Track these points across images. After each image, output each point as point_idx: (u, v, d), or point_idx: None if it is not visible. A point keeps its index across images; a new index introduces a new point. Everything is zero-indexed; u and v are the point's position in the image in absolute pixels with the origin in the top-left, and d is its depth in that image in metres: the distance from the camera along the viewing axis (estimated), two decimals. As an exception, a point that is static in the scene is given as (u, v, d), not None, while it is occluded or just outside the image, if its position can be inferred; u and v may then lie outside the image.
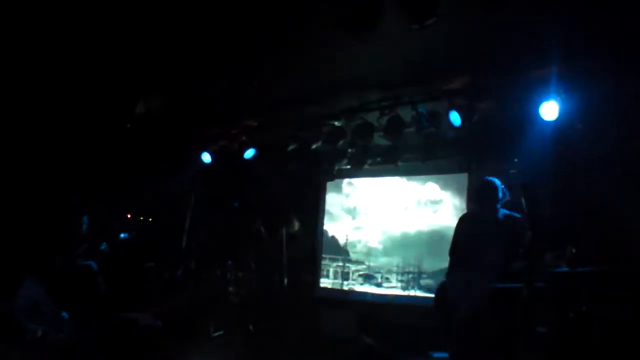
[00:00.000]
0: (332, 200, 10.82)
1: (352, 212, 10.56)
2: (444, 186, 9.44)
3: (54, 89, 7.47)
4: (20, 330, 4.92)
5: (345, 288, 10.21)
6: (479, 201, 6.65)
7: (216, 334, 8.30)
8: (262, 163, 9.65)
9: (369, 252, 10.15)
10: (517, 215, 6.29)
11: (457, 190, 9.24)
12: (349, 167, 10.14)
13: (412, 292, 9.43)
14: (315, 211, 10.81)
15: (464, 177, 9.08)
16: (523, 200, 5.24)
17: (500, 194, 6.36)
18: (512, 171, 7.34)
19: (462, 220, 6.76)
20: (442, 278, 7.04)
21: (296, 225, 10.26)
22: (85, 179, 8.16)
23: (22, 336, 4.89)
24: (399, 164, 9.45)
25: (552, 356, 5.28)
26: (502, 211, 6.38)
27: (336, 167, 10.33)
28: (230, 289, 8.95)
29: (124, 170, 8.98)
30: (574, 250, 5.61)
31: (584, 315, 5.15)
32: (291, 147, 9.25)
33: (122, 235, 7.59)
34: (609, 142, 6.34)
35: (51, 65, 7.06)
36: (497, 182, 6.45)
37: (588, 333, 5.09)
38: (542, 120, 6.66)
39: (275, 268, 9.64)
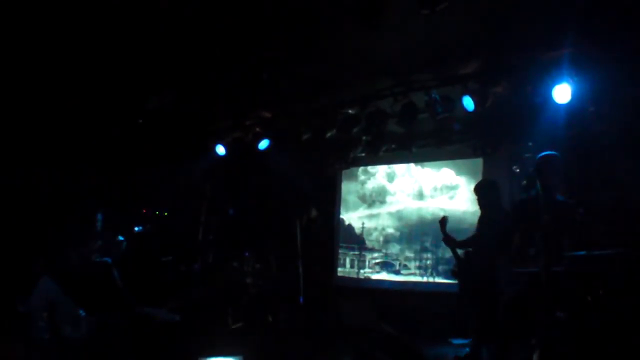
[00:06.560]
0: (348, 189, 10.77)
1: (367, 200, 10.51)
2: (459, 172, 9.36)
3: (67, 84, 7.50)
4: (37, 329, 4.96)
5: (362, 277, 10.18)
6: (480, 205, 6.62)
7: (235, 326, 8.33)
8: (277, 153, 9.64)
9: (386, 240, 10.10)
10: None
11: (472, 176, 9.10)
12: (363, 154, 10.13)
13: (431, 279, 9.39)
14: (331, 200, 10.77)
15: (479, 162, 9.01)
16: (539, 183, 5.18)
17: (499, 192, 6.38)
18: (527, 155, 7.27)
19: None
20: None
21: (313, 212, 10.25)
22: (100, 176, 8.19)
23: (38, 335, 4.94)
24: (414, 150, 9.45)
25: (571, 340, 5.22)
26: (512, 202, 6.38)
27: (351, 155, 10.32)
28: (248, 280, 8.98)
29: (139, 165, 9.01)
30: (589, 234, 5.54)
31: (602, 298, 5.10)
32: (305, 137, 9.20)
33: (136, 228, 7.61)
34: (622, 124, 6.27)
35: (64, 60, 7.07)
36: (492, 180, 6.58)
37: (606, 317, 5.03)
38: (555, 103, 6.59)
39: (292, 258, 9.65)
